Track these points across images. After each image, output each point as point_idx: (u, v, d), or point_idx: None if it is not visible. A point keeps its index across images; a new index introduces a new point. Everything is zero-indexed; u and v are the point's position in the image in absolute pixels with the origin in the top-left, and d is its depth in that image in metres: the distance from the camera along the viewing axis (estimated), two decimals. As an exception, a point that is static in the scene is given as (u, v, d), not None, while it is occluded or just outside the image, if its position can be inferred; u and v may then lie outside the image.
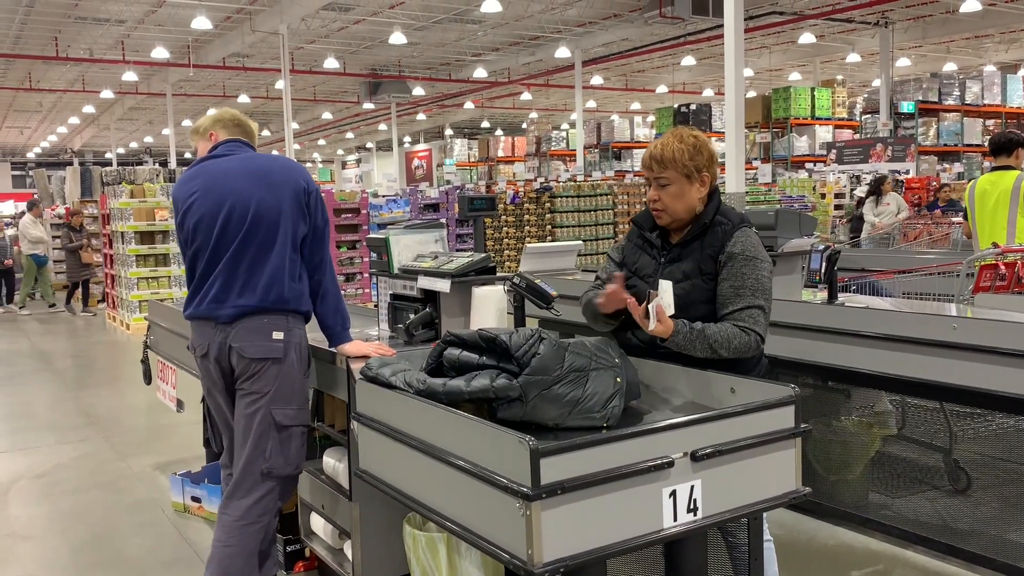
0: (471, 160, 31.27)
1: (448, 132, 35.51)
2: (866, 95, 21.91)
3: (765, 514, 2.45)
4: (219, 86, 26.69)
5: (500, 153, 31.34)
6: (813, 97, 22.02)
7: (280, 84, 20.29)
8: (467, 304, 3.03)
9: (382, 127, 33.89)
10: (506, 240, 12.12)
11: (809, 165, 20.64)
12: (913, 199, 14.54)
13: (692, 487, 1.91)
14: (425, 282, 3.07)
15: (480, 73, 23.82)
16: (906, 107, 19.51)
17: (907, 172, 17.27)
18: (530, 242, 11.73)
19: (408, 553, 2.44)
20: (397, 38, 18.65)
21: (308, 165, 40.62)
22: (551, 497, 1.70)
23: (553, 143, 27.63)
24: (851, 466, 3.87)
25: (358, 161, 38.98)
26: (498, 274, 3.06)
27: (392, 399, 2.20)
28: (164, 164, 24.47)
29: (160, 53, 19.25)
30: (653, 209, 2.56)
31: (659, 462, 1.85)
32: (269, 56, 21.63)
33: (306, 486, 3.24)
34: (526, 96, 28.81)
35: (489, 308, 2.96)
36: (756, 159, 22.89)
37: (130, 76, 21.76)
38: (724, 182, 11.89)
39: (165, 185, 9.57)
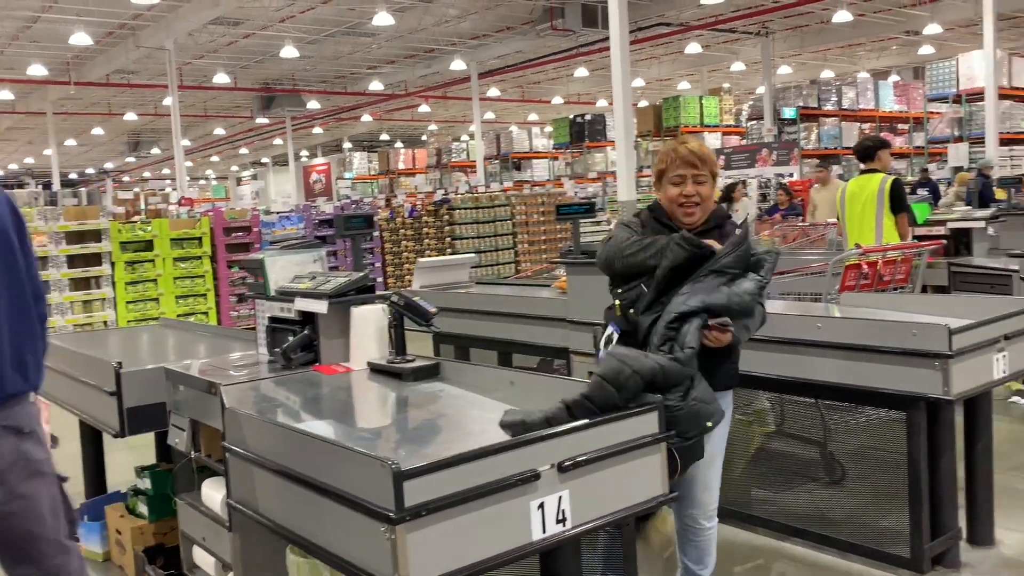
0: (371, 173, 31.01)
1: (347, 145, 35.13)
2: (751, 102, 22.76)
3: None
4: (104, 103, 25.67)
5: (401, 166, 31.18)
6: (701, 105, 22.73)
7: (168, 100, 19.67)
8: (347, 325, 3.01)
9: (277, 142, 33.26)
10: (405, 254, 12.07)
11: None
12: (796, 201, 15.17)
13: (560, 498, 1.95)
14: (302, 303, 3.03)
15: (376, 86, 23.66)
16: (788, 113, 20.36)
17: (791, 175, 18.03)
18: (430, 255, 11.71)
19: (290, 581, 2.40)
20: (289, 52, 18.35)
21: (202, 183, 39.46)
22: (416, 519, 1.70)
23: (453, 155, 27.68)
24: (733, 464, 4.00)
25: (254, 177, 38.13)
26: (377, 293, 3.04)
27: (258, 427, 2.16)
28: (47, 186, 23.32)
29: (38, 70, 18.39)
30: (688, 205, 2.71)
31: (526, 475, 1.88)
32: (156, 72, 20.93)
33: (187, 519, 3.14)
34: (424, 108, 28.78)
35: (369, 328, 2.94)
36: (649, 167, 23.49)
37: (5, 95, 20.72)
38: (616, 190, 12.15)
39: (44, 208, 9.15)
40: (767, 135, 20.77)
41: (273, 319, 3.24)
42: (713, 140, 23.26)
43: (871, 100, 21.75)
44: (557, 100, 28.42)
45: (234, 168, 42.81)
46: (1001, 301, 3.66)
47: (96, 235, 9.13)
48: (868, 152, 5.66)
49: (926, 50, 21.98)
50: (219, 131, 31.66)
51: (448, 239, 12.18)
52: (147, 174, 40.33)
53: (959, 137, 18.72)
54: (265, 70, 23.04)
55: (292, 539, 2.03)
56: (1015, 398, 5.48)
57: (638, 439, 2.10)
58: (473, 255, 5.99)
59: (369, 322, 2.94)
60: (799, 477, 4.10)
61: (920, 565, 3.21)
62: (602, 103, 29.53)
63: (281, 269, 3.25)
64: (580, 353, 4.45)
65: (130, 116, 25.69)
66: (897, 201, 5.49)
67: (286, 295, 3.14)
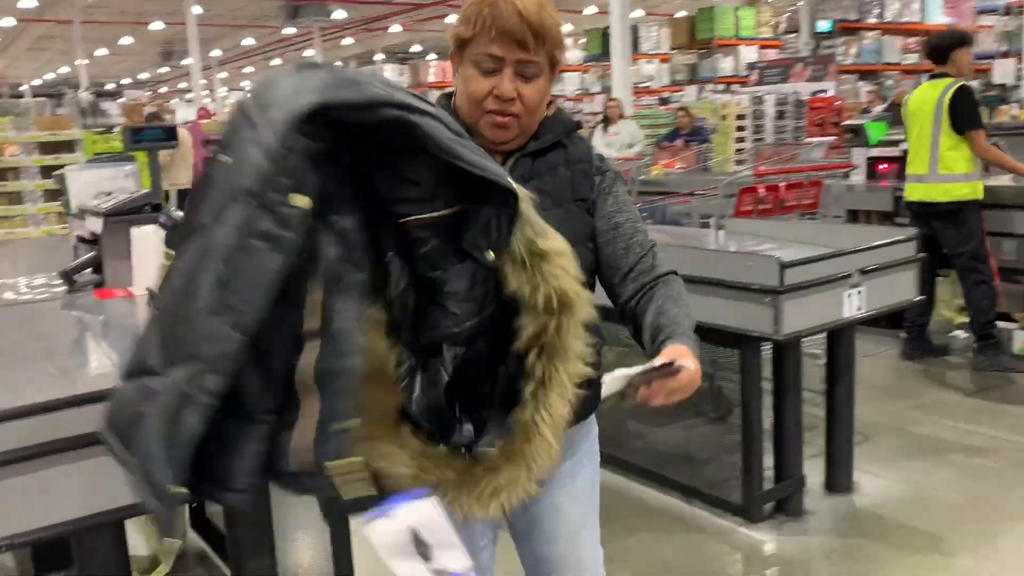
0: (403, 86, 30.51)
1: (378, 57, 34.55)
2: (788, 13, 21.60)
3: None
4: (131, 11, 25.46)
5: (432, 78, 30.57)
6: (737, 17, 21.68)
7: (195, 9, 19.43)
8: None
9: (309, 52, 32.82)
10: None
11: (737, 87, 20.36)
12: (816, 120, 14.42)
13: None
14: (91, 223, 2.87)
15: (401, -6, 23.02)
16: (822, 26, 19.26)
17: (827, 91, 17.12)
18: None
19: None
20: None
21: (238, 94, 39.34)
22: None
23: (485, 67, 26.96)
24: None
25: (288, 89, 37.83)
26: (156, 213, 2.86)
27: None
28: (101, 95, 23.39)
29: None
30: (503, 113, 1.50)
31: None
32: (177, -21, 20.62)
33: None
34: (453, 18, 28.02)
35: (148, 250, 2.77)
36: (683, 80, 22.55)
37: (29, 2, 20.62)
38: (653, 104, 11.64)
39: (16, 119, 9.08)
40: (803, 49, 19.70)
41: (80, 239, 3.10)
42: (750, 54, 22.19)
43: (917, 12, 20.40)
44: (591, 9, 27.36)
45: (271, 80, 42.53)
46: (876, 231, 3.32)
47: (69, 146, 9.06)
48: (939, 52, 4.53)
49: (981, -44, 20.44)
50: (249, 41, 31.36)
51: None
52: (184, 84, 40.31)
53: (1005, 52, 17.52)
54: (289, -23, 22.56)
55: None
56: (957, 332, 5.12)
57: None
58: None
59: (146, 244, 2.76)
60: (687, 412, 3.89)
61: (751, 513, 2.99)
62: (638, 13, 28.37)
63: (86, 185, 3.09)
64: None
65: (156, 25, 25.50)
66: (960, 116, 4.40)
67: (83, 213, 2.98)
